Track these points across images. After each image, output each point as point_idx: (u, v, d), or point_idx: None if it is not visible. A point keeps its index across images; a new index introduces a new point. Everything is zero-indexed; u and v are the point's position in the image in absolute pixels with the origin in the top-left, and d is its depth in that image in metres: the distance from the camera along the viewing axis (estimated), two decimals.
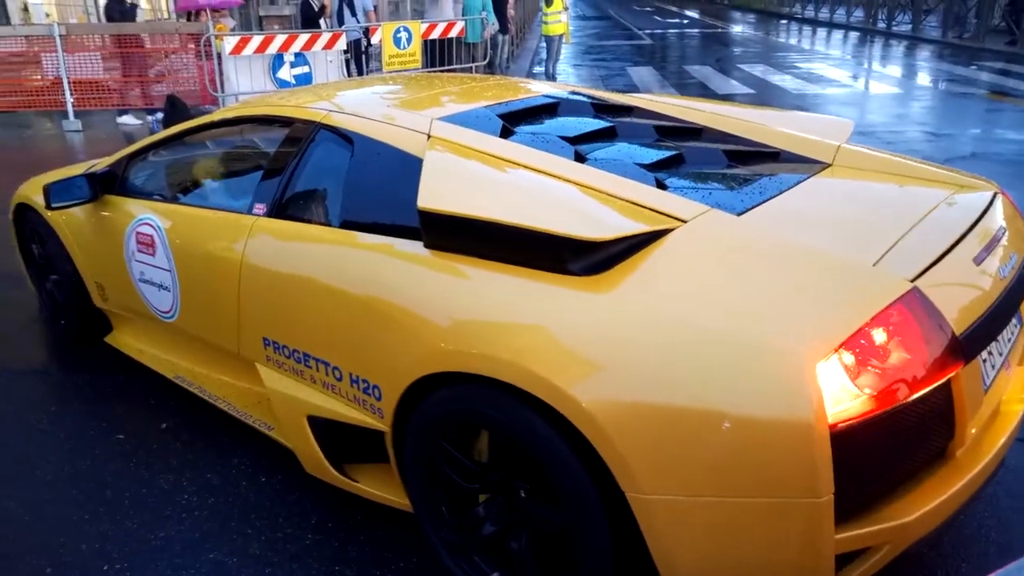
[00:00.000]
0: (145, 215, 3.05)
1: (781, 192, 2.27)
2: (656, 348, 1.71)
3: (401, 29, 10.28)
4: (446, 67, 10.86)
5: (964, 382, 1.78)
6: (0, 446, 2.92)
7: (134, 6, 11.59)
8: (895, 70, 14.29)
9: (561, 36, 11.70)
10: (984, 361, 1.92)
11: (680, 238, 1.93)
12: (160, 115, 9.29)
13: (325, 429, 2.42)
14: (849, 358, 1.60)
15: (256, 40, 9.08)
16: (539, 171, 2.25)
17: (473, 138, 2.42)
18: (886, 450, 1.69)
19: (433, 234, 2.10)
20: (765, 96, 11.04)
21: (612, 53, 17.26)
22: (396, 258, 2.19)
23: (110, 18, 10.16)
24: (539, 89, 3.22)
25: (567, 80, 12.70)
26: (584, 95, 3.19)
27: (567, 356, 1.78)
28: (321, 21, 10.45)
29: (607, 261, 1.87)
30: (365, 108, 2.74)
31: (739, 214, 2.06)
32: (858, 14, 23.85)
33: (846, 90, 11.79)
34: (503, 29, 12.27)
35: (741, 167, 2.54)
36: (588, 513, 1.79)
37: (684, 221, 1.97)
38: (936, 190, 2.38)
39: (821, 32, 22.66)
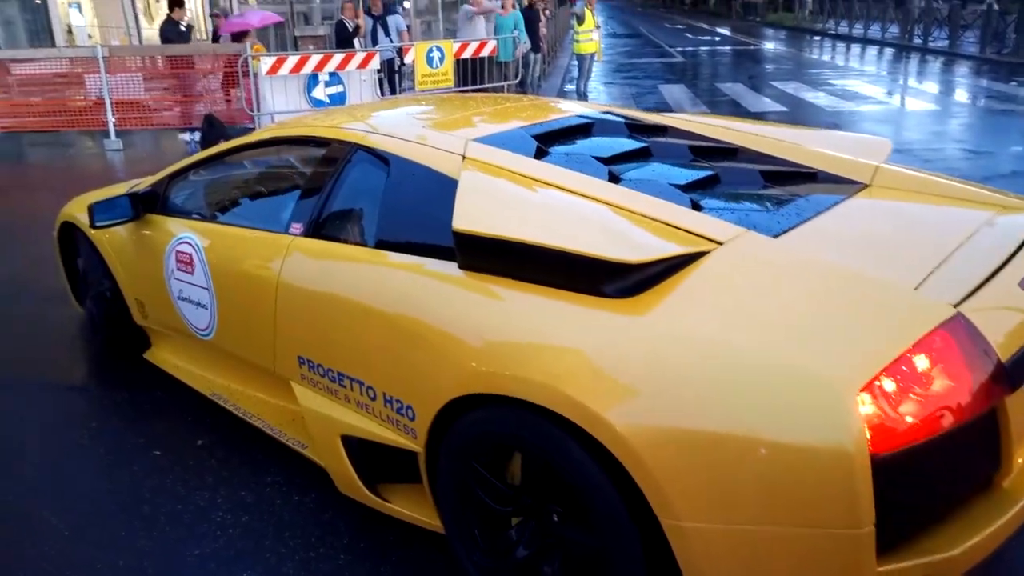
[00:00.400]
0: (184, 234, 3.12)
1: (818, 213, 2.24)
2: (691, 373, 1.69)
3: (434, 48, 10.39)
4: (478, 86, 10.94)
5: (1011, 410, 1.72)
6: (41, 461, 2.98)
7: (190, 28, 11.89)
8: (932, 87, 14.10)
9: (593, 55, 11.73)
10: None
11: (716, 260, 1.91)
12: (198, 134, 9.48)
13: (358, 449, 2.43)
14: (890, 385, 1.56)
15: (292, 60, 9.25)
16: (573, 192, 2.25)
17: (508, 159, 2.43)
18: (930, 480, 1.65)
19: (468, 255, 2.10)
20: (798, 114, 10.96)
21: (643, 71, 17.26)
22: (430, 278, 2.20)
23: (165, 39, 10.39)
24: (572, 109, 3.23)
25: (598, 98, 12.72)
26: (618, 115, 3.19)
27: (601, 380, 1.77)
28: (355, 41, 10.63)
29: (642, 283, 1.86)
30: (400, 129, 2.77)
31: (775, 236, 2.04)
32: (893, 30, 23.58)
33: (881, 107, 11.65)
34: (535, 48, 12.35)
35: (777, 188, 2.52)
36: (621, 538, 1.76)
37: (720, 243, 1.96)
38: (978, 211, 2.34)
39: (855, 48, 22.45)
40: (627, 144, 2.79)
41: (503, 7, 11.51)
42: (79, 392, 3.56)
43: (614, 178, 2.41)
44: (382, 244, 2.42)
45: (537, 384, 1.83)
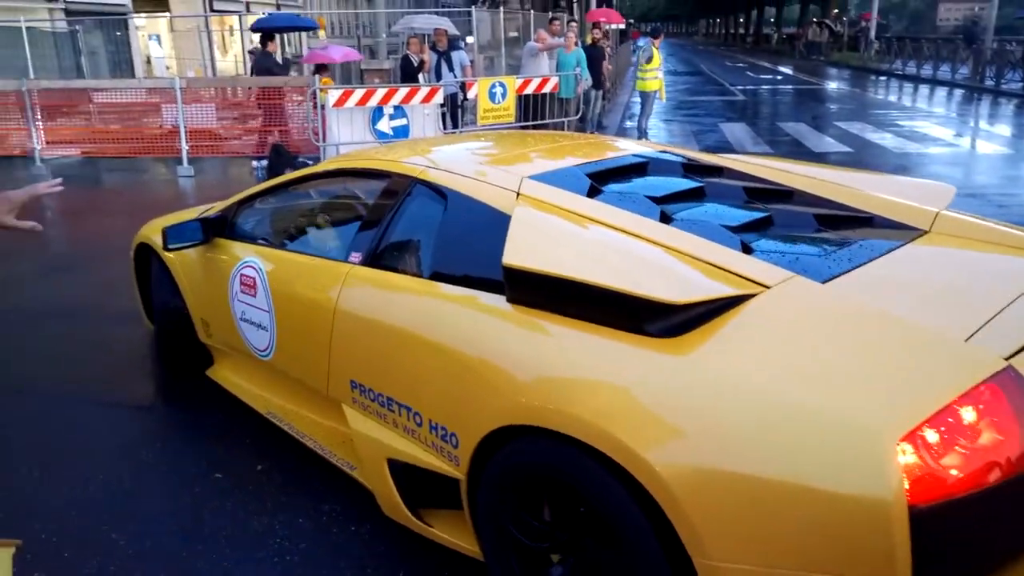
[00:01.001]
0: (249, 258, 3.23)
1: (872, 260, 2.22)
2: (731, 416, 1.69)
3: (496, 84, 10.54)
4: (538, 121, 11.04)
5: None
6: (109, 478, 3.05)
7: (287, 61, 12.37)
8: (1005, 129, 13.71)
9: (656, 92, 11.73)
10: None
11: (762, 304, 1.91)
12: (265, 162, 9.76)
13: (403, 473, 2.47)
14: (933, 436, 1.54)
15: (358, 93, 9.48)
16: (623, 231, 2.28)
17: (560, 197, 2.48)
18: (975, 535, 1.60)
19: (516, 289, 2.15)
20: (863, 155, 10.76)
21: (704, 109, 17.21)
22: (480, 311, 2.26)
23: (264, 68, 10.78)
24: (628, 148, 3.27)
25: (659, 136, 12.70)
26: (674, 154, 3.22)
27: (642, 418, 1.79)
28: (420, 75, 10.85)
29: (686, 324, 1.87)
30: (459, 165, 2.85)
31: (824, 281, 2.03)
32: (964, 71, 23.09)
33: (951, 150, 11.37)
34: (596, 85, 12.43)
35: (831, 232, 2.49)
36: None
37: (767, 287, 1.96)
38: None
39: (923, 89, 22.03)
40: (681, 184, 2.81)
41: (567, 44, 11.64)
42: (145, 412, 3.65)
43: (666, 218, 2.42)
44: (436, 276, 2.48)
45: (578, 419, 1.85)
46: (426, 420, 2.34)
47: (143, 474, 3.08)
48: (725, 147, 11.53)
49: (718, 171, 3.10)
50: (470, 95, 10.76)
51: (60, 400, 3.74)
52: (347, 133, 9.38)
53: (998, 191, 8.39)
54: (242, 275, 3.22)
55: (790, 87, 23.78)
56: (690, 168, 3.06)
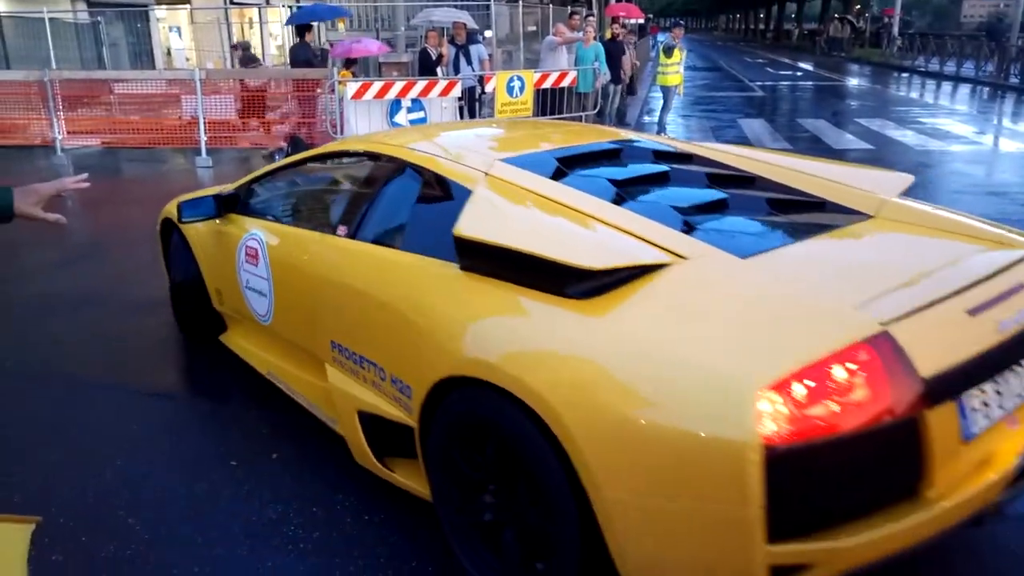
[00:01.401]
0: (254, 231, 3.50)
1: (802, 239, 2.42)
2: (627, 368, 1.92)
3: (515, 78, 10.52)
4: (556, 116, 11.01)
5: (934, 425, 1.83)
6: (126, 464, 3.07)
7: (324, 51, 12.33)
8: None
9: (676, 87, 11.65)
10: (974, 410, 1.96)
11: (675, 273, 2.14)
12: (279, 156, 9.81)
13: (371, 423, 2.74)
14: (800, 388, 1.73)
15: (376, 86, 9.50)
16: (569, 208, 2.51)
17: (523, 178, 2.71)
18: (831, 477, 1.79)
19: (465, 257, 2.40)
20: (884, 152, 10.65)
21: (723, 104, 17.10)
22: (434, 277, 2.52)
23: (303, 59, 10.76)
24: (608, 136, 3.47)
25: (676, 131, 12.63)
26: (648, 142, 3.42)
27: (553, 369, 2.03)
28: (438, 69, 10.83)
29: (601, 288, 2.10)
30: (440, 148, 3.11)
31: (746, 256, 2.21)
32: (988, 68, 22.79)
33: (974, 147, 11.23)
34: (615, 79, 12.37)
35: (779, 215, 2.68)
36: (563, 513, 2.00)
37: (685, 258, 2.18)
38: (966, 245, 2.46)
39: (946, 87, 21.78)
40: (646, 169, 3.02)
41: (585, 39, 11.59)
42: (164, 399, 3.68)
43: (620, 199, 2.63)
44: (407, 247, 2.74)
45: (499, 369, 2.10)
46: (388, 374, 2.60)
47: (160, 461, 3.11)
48: (743, 142, 11.45)
49: (688, 158, 3.28)
50: (488, 89, 10.74)
51: (80, 387, 3.78)
52: (365, 125, 9.40)
53: (1022, 189, 8.28)
54: (247, 247, 3.49)
55: (810, 83, 23.58)
56: (661, 155, 3.25)
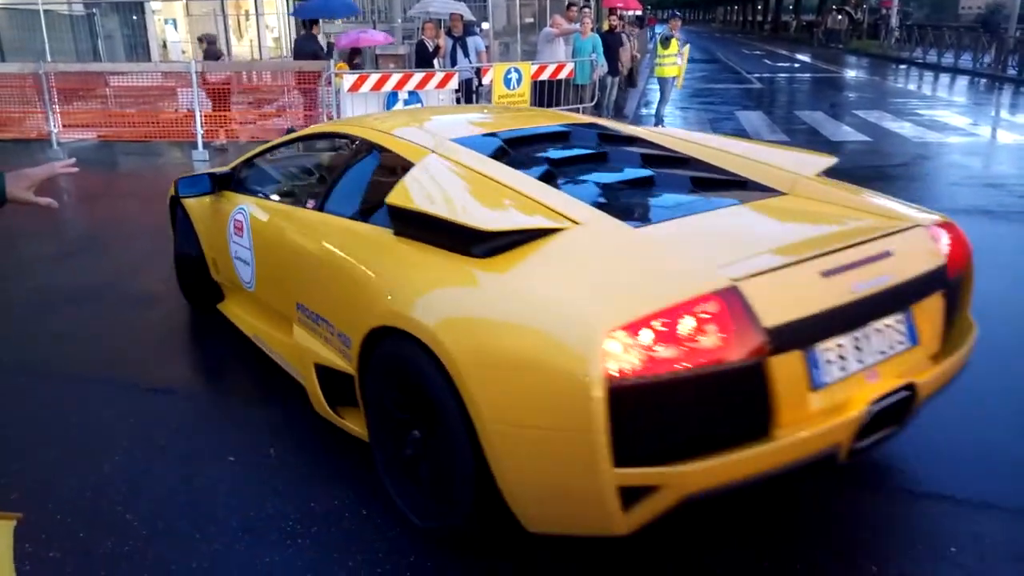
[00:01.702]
0: (241, 206, 3.82)
1: (704, 212, 2.68)
2: (506, 310, 2.25)
3: (512, 70, 10.49)
4: (554, 108, 10.98)
5: (778, 372, 2.08)
6: (124, 459, 3.07)
7: (331, 45, 12.21)
8: None
9: (674, 79, 11.58)
10: (828, 362, 2.22)
11: (567, 236, 2.42)
12: None
13: (324, 374, 3.04)
14: (647, 332, 1.98)
15: (373, 78, 9.46)
16: (495, 182, 2.79)
17: (464, 155, 3.00)
18: (679, 412, 2.03)
19: (396, 222, 2.74)
20: (881, 144, 10.64)
21: (721, 97, 17.07)
22: (375, 242, 2.84)
23: (310, 52, 10.66)
24: (562, 120, 3.75)
25: (674, 123, 12.59)
26: (597, 126, 3.68)
27: (452, 315, 2.35)
28: (435, 61, 10.80)
29: (500, 247, 2.39)
30: (400, 129, 3.37)
31: (638, 225, 2.51)
32: (986, 59, 22.74)
33: (971, 139, 11.21)
34: (612, 71, 12.33)
35: (698, 191, 2.93)
36: (458, 439, 2.28)
37: (578, 223, 2.45)
38: (852, 218, 2.70)
39: (944, 78, 21.73)
40: (587, 149, 3.33)
41: (582, 30, 11.55)
42: (161, 394, 3.67)
43: (549, 175, 2.91)
44: (356, 216, 3.09)
45: (410, 318, 2.42)
46: (336, 330, 2.92)
47: (157, 456, 3.10)
48: (741, 134, 11.43)
49: (631, 141, 3.55)
50: (485, 81, 10.71)
51: (78, 382, 3.77)
52: None
53: (1019, 181, 8.27)
54: (235, 220, 3.83)
55: (808, 75, 23.54)
56: (606, 138, 3.53)
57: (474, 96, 11.27)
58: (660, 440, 2.02)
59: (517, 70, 10.54)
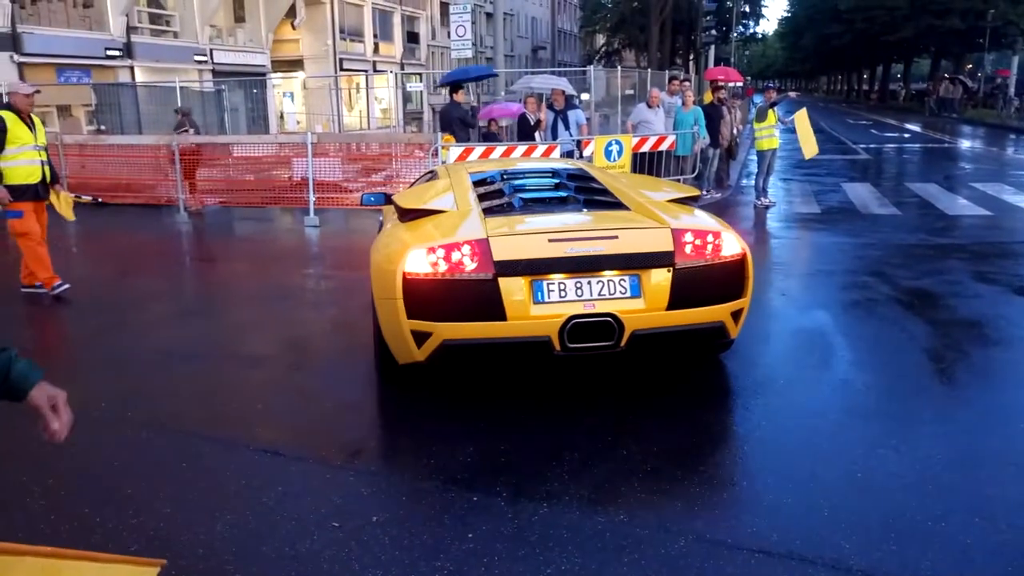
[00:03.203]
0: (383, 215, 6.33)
1: (553, 213, 4.39)
2: (387, 243, 4.41)
3: (613, 143, 10.62)
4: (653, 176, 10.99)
5: (505, 287, 3.82)
6: (233, 519, 3.16)
7: (475, 108, 12.80)
8: None
9: (775, 151, 11.41)
10: (550, 291, 3.88)
11: (444, 215, 4.36)
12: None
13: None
14: (432, 254, 3.88)
15: (478, 150, 9.75)
16: (458, 191, 4.75)
17: (456, 176, 5.16)
18: (443, 296, 3.90)
19: (399, 213, 4.67)
20: (1003, 218, 10.10)
21: (825, 168, 16.67)
22: (393, 222, 4.85)
23: (457, 117, 10.70)
24: (553, 163, 6.00)
25: (777, 195, 12.31)
26: (577, 168, 5.41)
27: (380, 246, 4.50)
28: (536, 134, 11.06)
29: (411, 217, 4.50)
30: (457, 165, 6.70)
31: (496, 215, 4.29)
32: None
33: None
34: (714, 144, 12.31)
35: (579, 204, 4.57)
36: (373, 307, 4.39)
37: (458, 210, 4.38)
38: (628, 219, 4.25)
39: None
40: (548, 178, 5.11)
41: (684, 104, 11.61)
42: (269, 455, 3.77)
43: (498, 191, 4.80)
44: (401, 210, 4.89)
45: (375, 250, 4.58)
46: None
47: (266, 518, 3.17)
48: (848, 208, 11.11)
49: (587, 178, 5.09)
50: (586, 153, 10.87)
51: (192, 439, 3.93)
52: None
53: None
54: (380, 221, 6.32)
55: (918, 145, 22.77)
56: (572, 175, 5.14)
57: None
58: (432, 308, 3.87)
59: (618, 142, 10.65)
